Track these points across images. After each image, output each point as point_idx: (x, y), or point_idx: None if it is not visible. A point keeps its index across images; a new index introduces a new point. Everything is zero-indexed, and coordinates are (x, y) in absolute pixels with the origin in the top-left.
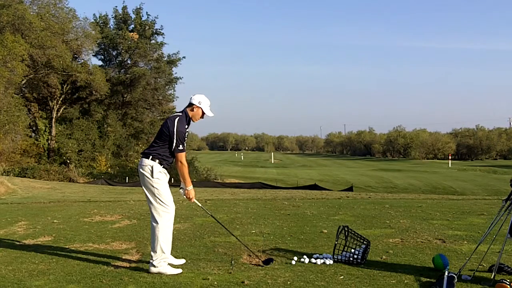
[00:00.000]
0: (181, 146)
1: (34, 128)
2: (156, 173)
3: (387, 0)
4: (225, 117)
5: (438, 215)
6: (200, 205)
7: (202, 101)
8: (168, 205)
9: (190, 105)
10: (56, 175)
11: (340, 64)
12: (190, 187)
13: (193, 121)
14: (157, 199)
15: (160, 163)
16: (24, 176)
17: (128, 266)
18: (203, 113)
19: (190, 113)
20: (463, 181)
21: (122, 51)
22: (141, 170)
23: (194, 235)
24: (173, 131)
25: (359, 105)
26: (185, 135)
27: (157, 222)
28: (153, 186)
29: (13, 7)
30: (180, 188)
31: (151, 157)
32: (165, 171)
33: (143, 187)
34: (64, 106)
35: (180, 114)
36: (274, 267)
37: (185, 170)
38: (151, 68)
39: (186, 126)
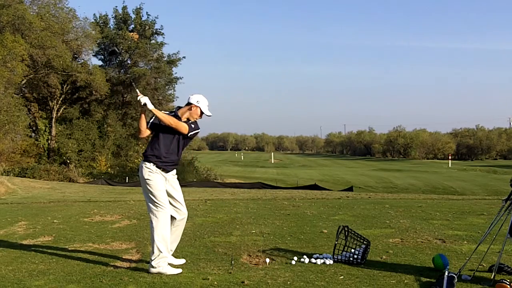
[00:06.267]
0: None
1: (34, 128)
2: (146, 174)
3: (387, 0)
4: (225, 117)
5: (438, 215)
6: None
7: (200, 100)
8: (163, 205)
9: (188, 104)
10: (56, 175)
11: (340, 64)
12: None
13: (190, 120)
14: (150, 199)
15: (154, 163)
16: (24, 176)
17: (128, 266)
18: (202, 113)
19: (187, 112)
20: (463, 181)
21: (122, 51)
22: (138, 172)
23: (194, 235)
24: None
25: (359, 105)
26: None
27: (153, 223)
28: (145, 187)
29: (13, 7)
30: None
31: (144, 158)
32: (158, 169)
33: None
34: (64, 106)
35: (171, 111)
36: (274, 267)
37: (167, 117)
38: (151, 68)
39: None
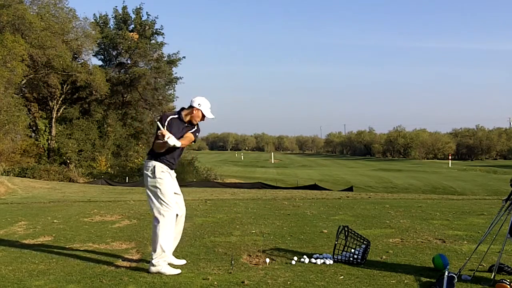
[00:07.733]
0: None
1: (34, 128)
2: (158, 173)
3: (387, 0)
4: (225, 117)
5: (438, 215)
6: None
7: (202, 103)
8: (170, 205)
9: (190, 107)
10: (56, 175)
11: (339, 64)
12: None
13: (193, 122)
14: (159, 198)
15: (163, 163)
16: (24, 176)
17: (128, 266)
18: (204, 116)
19: (189, 115)
20: (463, 181)
21: (122, 51)
22: (144, 171)
23: (194, 235)
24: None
25: (359, 105)
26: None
27: (158, 222)
28: (155, 186)
29: (13, 7)
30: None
31: (153, 157)
32: (168, 169)
33: (146, 187)
34: (64, 106)
35: (175, 112)
36: (274, 267)
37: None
38: (151, 68)
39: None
